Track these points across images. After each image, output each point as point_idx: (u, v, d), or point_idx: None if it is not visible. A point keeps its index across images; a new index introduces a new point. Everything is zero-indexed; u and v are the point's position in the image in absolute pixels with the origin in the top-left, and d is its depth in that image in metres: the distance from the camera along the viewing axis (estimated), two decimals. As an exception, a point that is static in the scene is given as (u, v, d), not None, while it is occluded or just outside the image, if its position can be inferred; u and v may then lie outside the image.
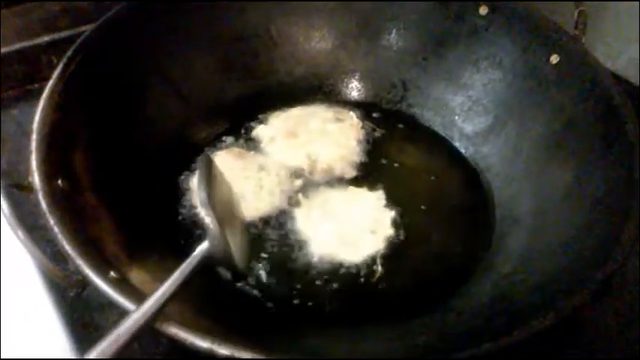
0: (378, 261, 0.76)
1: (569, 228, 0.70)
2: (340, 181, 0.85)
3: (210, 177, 0.71)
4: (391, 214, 0.80)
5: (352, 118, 0.93)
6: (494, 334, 0.55)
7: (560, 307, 0.56)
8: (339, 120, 0.92)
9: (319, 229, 0.78)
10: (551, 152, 0.80)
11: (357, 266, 0.75)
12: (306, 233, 0.78)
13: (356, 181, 0.85)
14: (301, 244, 0.77)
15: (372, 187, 0.84)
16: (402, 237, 0.78)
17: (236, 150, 0.87)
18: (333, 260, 0.75)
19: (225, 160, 0.84)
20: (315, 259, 0.76)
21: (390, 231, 0.79)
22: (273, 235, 0.78)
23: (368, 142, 0.91)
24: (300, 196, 0.82)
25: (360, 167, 0.87)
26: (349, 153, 0.88)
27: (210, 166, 0.72)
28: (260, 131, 0.90)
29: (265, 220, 0.79)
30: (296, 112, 0.93)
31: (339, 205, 0.81)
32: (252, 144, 0.89)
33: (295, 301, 0.72)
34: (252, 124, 0.92)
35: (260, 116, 0.93)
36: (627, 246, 0.60)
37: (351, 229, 0.78)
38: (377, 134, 0.92)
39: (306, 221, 0.79)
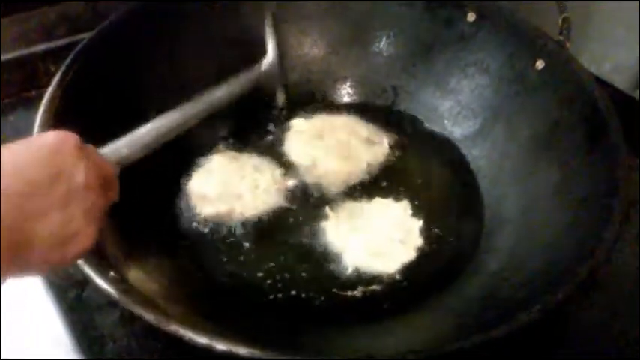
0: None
1: (556, 226, 0.72)
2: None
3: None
4: (420, 223, 0.81)
5: (383, 144, 0.92)
6: (483, 328, 0.57)
7: (546, 301, 0.58)
8: (369, 142, 0.91)
9: (350, 240, 0.79)
10: (537, 154, 0.82)
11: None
12: (337, 245, 0.79)
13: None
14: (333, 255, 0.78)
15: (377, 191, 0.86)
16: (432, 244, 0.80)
17: (231, 153, 0.89)
18: (366, 270, 0.76)
19: (221, 162, 0.87)
20: (350, 270, 0.77)
21: (419, 240, 0.80)
22: (302, 248, 0.79)
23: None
24: (327, 209, 0.83)
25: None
26: (355, 170, 0.88)
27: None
28: (296, 123, 0.93)
29: (291, 230, 0.81)
30: (338, 120, 0.94)
31: (367, 216, 0.82)
32: (246, 147, 0.91)
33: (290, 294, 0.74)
34: (249, 127, 0.93)
35: (257, 118, 0.94)
36: (610, 242, 0.63)
37: (381, 239, 0.79)
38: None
39: (336, 234, 0.80)
